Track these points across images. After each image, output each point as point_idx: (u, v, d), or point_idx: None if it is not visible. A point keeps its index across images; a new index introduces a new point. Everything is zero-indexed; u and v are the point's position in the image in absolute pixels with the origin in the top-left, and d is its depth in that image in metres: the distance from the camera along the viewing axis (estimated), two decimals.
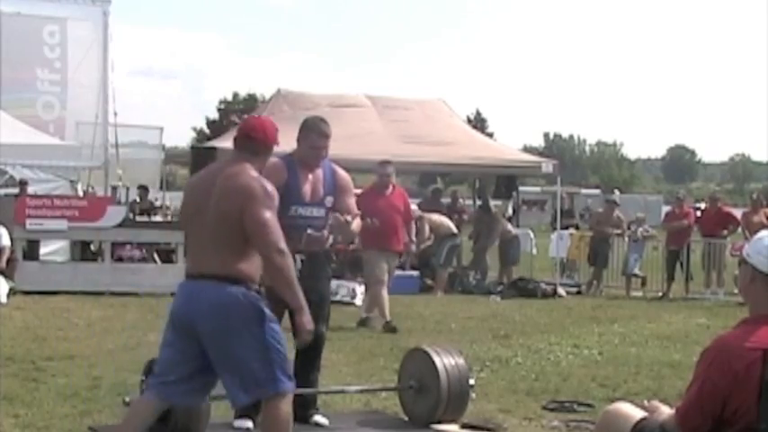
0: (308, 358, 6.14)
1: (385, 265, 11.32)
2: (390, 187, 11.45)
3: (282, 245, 4.54)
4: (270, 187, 4.61)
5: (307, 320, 4.61)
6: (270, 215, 4.55)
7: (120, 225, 14.20)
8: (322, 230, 6.20)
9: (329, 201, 6.22)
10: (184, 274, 4.79)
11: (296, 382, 6.14)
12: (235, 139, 4.84)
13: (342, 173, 6.38)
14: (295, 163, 6.16)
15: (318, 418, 6.17)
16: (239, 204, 4.54)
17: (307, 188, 6.14)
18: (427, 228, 16.00)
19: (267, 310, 4.60)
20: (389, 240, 11.28)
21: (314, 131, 6.18)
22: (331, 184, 6.24)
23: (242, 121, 5.12)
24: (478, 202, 19.16)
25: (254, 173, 4.66)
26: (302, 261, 5.99)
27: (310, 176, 6.19)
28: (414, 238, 12.20)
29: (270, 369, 4.57)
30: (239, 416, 6.08)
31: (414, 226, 11.91)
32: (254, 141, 4.77)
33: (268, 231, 4.52)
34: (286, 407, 4.65)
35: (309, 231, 6.09)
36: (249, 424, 6.07)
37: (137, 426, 4.74)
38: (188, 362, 4.67)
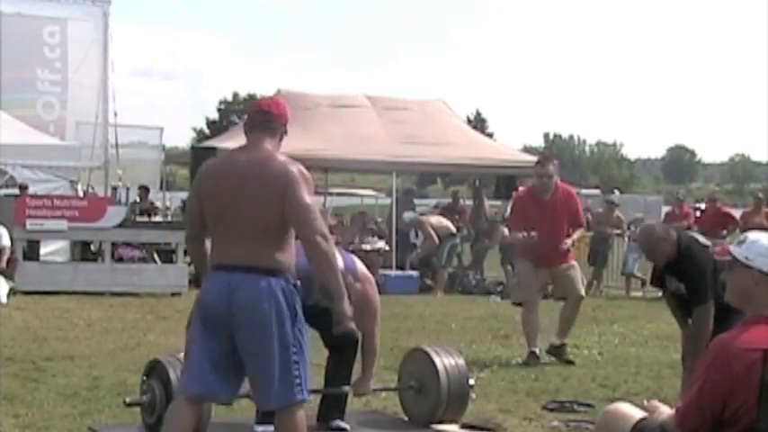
0: (344, 358, 6.18)
1: (536, 284, 9.12)
2: (552, 190, 9.04)
3: (326, 229, 4.46)
4: (307, 173, 4.52)
5: (347, 307, 4.50)
6: (311, 200, 4.44)
7: (120, 225, 14.21)
8: None
9: None
10: (214, 266, 4.56)
11: (327, 384, 6.22)
12: (249, 121, 4.70)
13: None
14: None
15: (340, 423, 6.19)
16: (281, 189, 4.40)
17: None
18: (432, 232, 16.02)
19: (300, 311, 4.51)
20: (548, 257, 8.96)
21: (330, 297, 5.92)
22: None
23: (253, 103, 4.92)
24: (469, 202, 19.18)
25: (283, 156, 4.55)
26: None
27: None
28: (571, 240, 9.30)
29: (295, 374, 4.46)
30: (261, 420, 6.07)
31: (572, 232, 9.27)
32: (271, 117, 4.67)
33: (311, 215, 4.41)
34: (303, 416, 4.55)
35: None
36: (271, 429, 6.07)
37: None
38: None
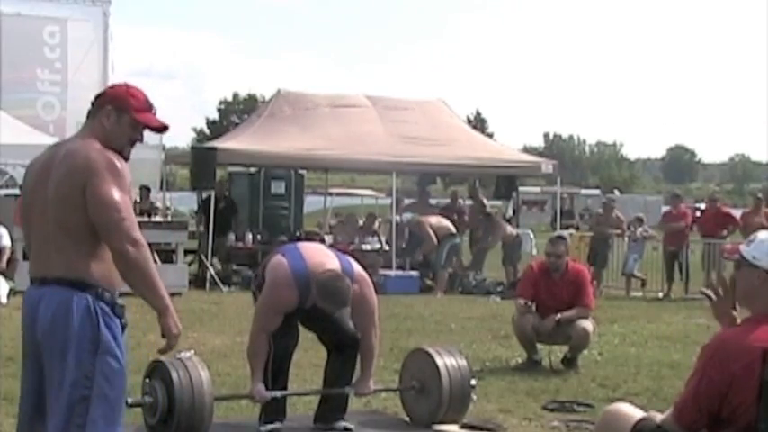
0: (346, 359, 6.19)
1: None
2: (562, 269, 8.81)
3: (137, 233, 3.62)
4: (118, 163, 3.70)
5: (173, 323, 3.75)
6: (119, 195, 3.62)
7: None
8: None
9: None
10: (30, 280, 3.86)
11: (328, 384, 6.22)
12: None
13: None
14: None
15: (344, 423, 6.21)
16: (81, 184, 3.60)
17: None
18: (431, 233, 16.02)
19: (108, 336, 3.68)
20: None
21: (329, 301, 5.81)
22: None
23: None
24: (469, 202, 19.19)
25: (98, 145, 3.70)
26: None
27: None
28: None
29: (79, 414, 3.62)
30: (265, 422, 6.08)
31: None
32: (95, 102, 3.84)
33: (116, 215, 3.59)
34: None
35: None
36: (278, 425, 6.09)
37: None
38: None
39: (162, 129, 3.95)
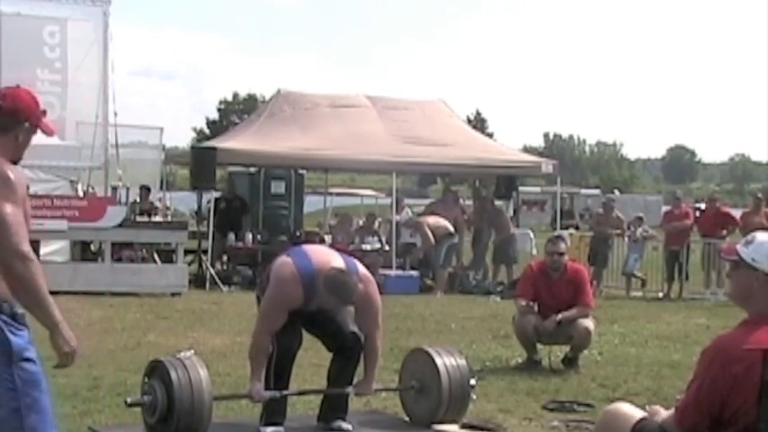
0: (349, 360, 6.17)
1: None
2: (561, 268, 8.75)
3: (26, 247, 3.52)
4: (12, 174, 3.58)
5: (64, 341, 3.67)
6: (10, 209, 3.51)
7: (120, 225, 14.22)
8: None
9: None
10: None
11: (332, 384, 6.20)
12: None
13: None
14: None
15: (342, 423, 6.20)
16: None
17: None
18: (429, 232, 16.03)
19: (18, 343, 3.60)
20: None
21: (336, 295, 5.79)
22: None
23: None
24: (468, 203, 19.18)
25: None
26: None
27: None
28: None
29: (20, 428, 3.57)
30: (266, 422, 6.07)
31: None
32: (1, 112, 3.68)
33: (3, 229, 3.47)
34: None
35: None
36: (280, 429, 6.08)
37: None
38: None
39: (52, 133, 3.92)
